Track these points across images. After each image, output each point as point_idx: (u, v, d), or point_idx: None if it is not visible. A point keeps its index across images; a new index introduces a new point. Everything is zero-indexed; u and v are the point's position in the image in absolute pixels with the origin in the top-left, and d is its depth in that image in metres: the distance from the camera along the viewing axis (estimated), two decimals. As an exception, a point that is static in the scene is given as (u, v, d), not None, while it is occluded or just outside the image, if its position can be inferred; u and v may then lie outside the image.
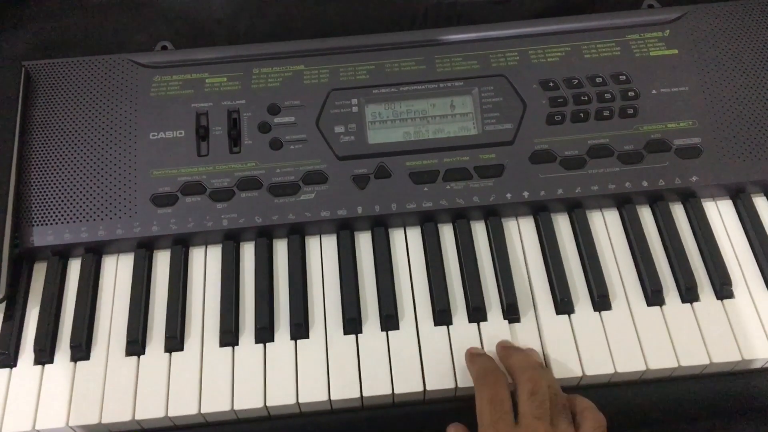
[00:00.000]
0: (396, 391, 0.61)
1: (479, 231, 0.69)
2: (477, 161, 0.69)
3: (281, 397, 0.61)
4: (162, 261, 0.68)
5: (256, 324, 0.64)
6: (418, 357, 0.62)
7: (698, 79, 0.72)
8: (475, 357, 0.61)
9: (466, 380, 0.61)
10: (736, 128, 0.70)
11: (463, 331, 0.64)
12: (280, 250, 0.68)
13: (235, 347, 0.63)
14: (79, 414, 0.61)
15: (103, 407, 0.61)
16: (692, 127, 0.70)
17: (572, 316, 0.64)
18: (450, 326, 0.64)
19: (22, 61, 0.72)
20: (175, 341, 0.63)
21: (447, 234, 0.69)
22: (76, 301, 0.66)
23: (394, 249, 0.68)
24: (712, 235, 0.68)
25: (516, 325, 0.64)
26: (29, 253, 0.67)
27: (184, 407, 0.61)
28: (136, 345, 0.63)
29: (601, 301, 0.64)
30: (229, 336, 0.63)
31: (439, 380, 0.61)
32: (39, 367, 0.63)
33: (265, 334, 0.63)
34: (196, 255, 0.69)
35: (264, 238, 0.68)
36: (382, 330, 0.64)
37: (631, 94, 0.71)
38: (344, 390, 0.61)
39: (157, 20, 0.83)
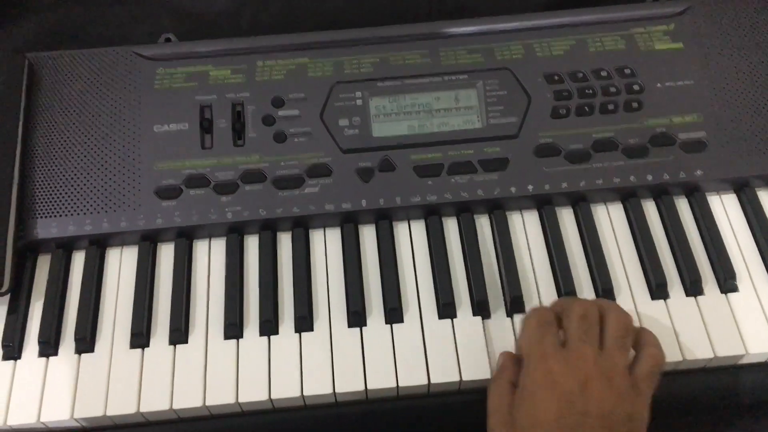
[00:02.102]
0: (400, 384, 0.61)
1: (483, 224, 0.69)
2: (481, 155, 0.69)
3: (285, 389, 0.61)
4: (166, 254, 0.68)
5: (261, 317, 0.64)
6: (423, 350, 0.62)
7: (703, 72, 0.72)
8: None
9: (470, 373, 0.61)
10: (741, 122, 0.70)
11: (467, 324, 0.64)
12: (285, 243, 0.68)
13: (240, 340, 0.63)
14: (83, 406, 0.61)
15: (107, 400, 0.61)
16: (697, 121, 0.70)
17: (576, 309, 0.64)
18: (454, 319, 0.64)
19: (26, 53, 0.72)
20: (179, 334, 0.63)
21: (451, 227, 0.69)
22: (80, 294, 0.66)
23: (399, 242, 0.68)
24: (716, 229, 0.68)
25: (520, 318, 0.64)
26: (33, 246, 0.67)
27: (188, 400, 0.61)
28: (140, 337, 0.63)
29: (605, 295, 0.64)
30: (233, 329, 0.63)
31: (444, 373, 0.61)
32: (43, 359, 0.63)
33: (269, 326, 0.63)
34: (200, 248, 0.68)
35: (268, 231, 0.68)
36: (386, 323, 0.64)
37: (636, 87, 0.71)
38: (348, 383, 0.61)
39: (160, 12, 0.83)
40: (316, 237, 0.69)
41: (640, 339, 0.58)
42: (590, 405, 0.52)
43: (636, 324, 0.60)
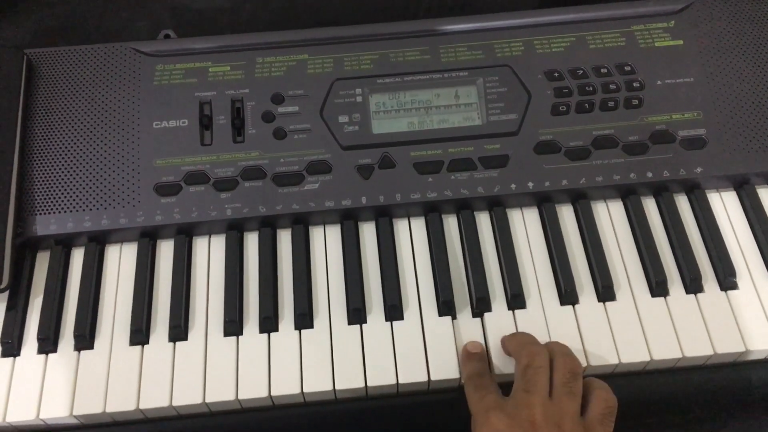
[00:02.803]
0: (400, 381, 0.61)
1: (483, 221, 0.69)
2: (481, 151, 0.69)
3: (285, 386, 0.61)
4: (165, 250, 0.68)
5: (260, 314, 0.64)
6: (423, 347, 0.62)
7: (703, 70, 0.72)
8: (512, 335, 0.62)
9: (470, 370, 0.61)
10: (741, 120, 0.70)
11: (467, 321, 0.64)
12: (284, 240, 0.68)
13: (239, 337, 0.63)
14: (82, 403, 0.61)
15: (106, 396, 0.61)
16: (697, 118, 0.70)
17: (577, 306, 0.64)
18: (454, 317, 0.64)
19: (25, 49, 0.72)
20: (179, 330, 0.63)
21: (451, 224, 0.69)
22: (80, 291, 0.66)
23: (399, 239, 0.68)
24: (716, 226, 0.68)
25: (520, 315, 0.64)
26: (32, 243, 0.67)
27: (188, 396, 0.61)
28: (140, 334, 0.63)
29: (605, 291, 0.64)
30: (233, 326, 0.63)
31: (443, 370, 0.61)
32: (42, 356, 0.63)
33: (269, 323, 0.63)
34: (200, 245, 0.68)
35: (268, 228, 0.68)
36: (386, 320, 0.64)
37: (636, 84, 0.71)
38: (348, 380, 0.61)
39: (160, 8, 0.82)
40: (316, 234, 0.69)
41: (589, 384, 0.58)
42: None
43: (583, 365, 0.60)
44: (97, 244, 0.68)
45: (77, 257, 0.68)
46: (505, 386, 0.59)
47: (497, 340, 0.63)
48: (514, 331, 0.63)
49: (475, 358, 0.61)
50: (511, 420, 0.54)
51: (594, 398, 0.56)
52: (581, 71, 0.72)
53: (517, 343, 0.60)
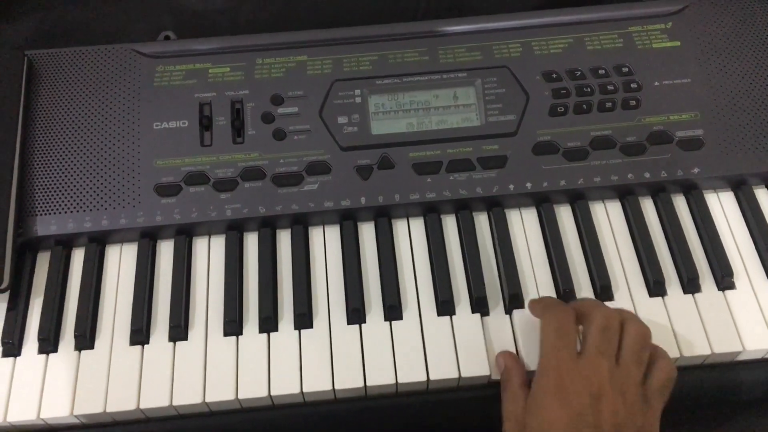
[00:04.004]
0: (400, 381, 0.61)
1: (482, 222, 0.69)
2: (480, 152, 0.69)
3: (285, 386, 0.61)
4: (165, 251, 0.68)
5: (260, 314, 0.64)
6: (422, 347, 0.63)
7: (700, 71, 0.72)
8: (539, 298, 0.62)
9: (469, 370, 0.61)
10: (738, 120, 0.70)
11: (466, 321, 0.64)
12: (284, 240, 0.69)
13: (239, 337, 0.63)
14: (83, 403, 0.61)
15: (107, 396, 0.61)
16: (694, 119, 0.71)
17: (575, 306, 0.64)
18: (453, 316, 0.64)
19: (25, 50, 0.72)
20: (179, 330, 0.63)
21: (450, 225, 0.69)
22: (80, 291, 0.66)
23: (398, 240, 0.69)
24: (713, 226, 0.68)
25: (518, 315, 0.64)
26: (32, 243, 0.67)
27: (188, 396, 0.61)
28: (140, 334, 0.63)
29: (603, 292, 0.65)
30: (233, 326, 0.64)
31: (443, 370, 0.61)
32: (43, 356, 0.63)
33: (268, 323, 0.64)
34: (200, 245, 0.69)
35: (267, 228, 0.68)
36: (385, 320, 0.64)
37: (633, 85, 0.72)
38: (348, 380, 0.61)
39: (160, 10, 0.83)
40: (316, 234, 0.69)
41: (653, 352, 0.58)
42: (602, 419, 0.52)
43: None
44: (98, 244, 0.68)
45: (78, 258, 0.68)
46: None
47: (496, 340, 0.63)
48: (512, 331, 0.63)
49: (566, 308, 0.59)
50: (582, 380, 0.54)
51: (656, 368, 0.57)
52: (579, 72, 0.72)
53: (589, 306, 0.59)
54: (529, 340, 0.62)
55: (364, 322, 0.64)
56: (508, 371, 0.60)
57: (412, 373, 0.61)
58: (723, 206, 0.70)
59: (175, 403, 0.61)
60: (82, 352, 0.63)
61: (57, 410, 0.61)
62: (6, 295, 0.65)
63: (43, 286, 0.66)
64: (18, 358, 0.63)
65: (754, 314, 0.64)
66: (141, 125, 0.70)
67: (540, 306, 0.61)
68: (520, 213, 0.70)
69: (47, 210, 0.67)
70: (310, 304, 0.65)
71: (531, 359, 0.61)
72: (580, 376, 0.54)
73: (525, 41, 0.74)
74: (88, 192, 0.68)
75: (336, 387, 0.61)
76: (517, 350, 0.62)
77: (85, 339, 0.63)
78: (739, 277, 0.66)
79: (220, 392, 0.61)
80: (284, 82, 0.72)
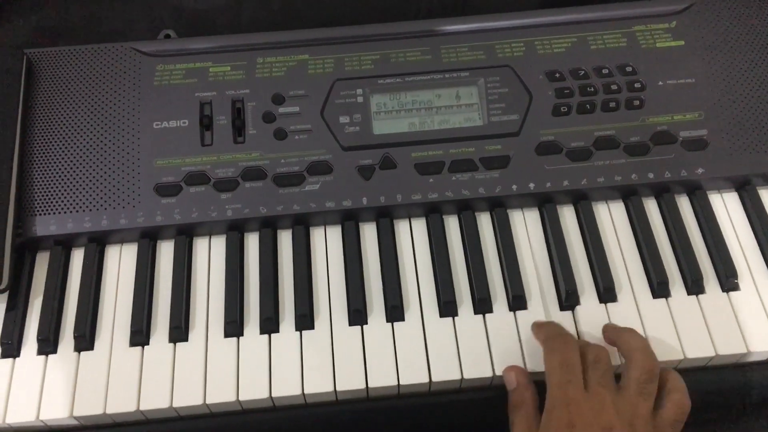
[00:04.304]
0: (401, 383, 0.61)
1: (485, 222, 0.69)
2: (483, 152, 0.69)
3: (286, 387, 0.61)
4: (166, 251, 0.68)
5: (261, 315, 0.64)
6: (424, 348, 0.62)
7: (705, 70, 0.72)
8: (542, 324, 0.61)
9: (471, 371, 0.61)
10: (743, 120, 0.70)
11: (468, 322, 0.63)
12: (285, 240, 0.68)
13: (240, 338, 0.63)
14: (82, 404, 0.61)
15: (107, 398, 0.61)
16: (698, 119, 0.70)
17: (578, 308, 0.64)
18: (456, 317, 0.64)
19: (24, 49, 0.72)
20: (179, 332, 0.63)
21: (452, 225, 0.69)
22: (80, 291, 0.65)
23: (399, 240, 0.68)
24: (717, 227, 0.68)
25: (522, 316, 0.64)
26: (32, 243, 0.67)
27: (188, 398, 0.60)
28: (140, 335, 0.63)
29: (606, 293, 0.64)
30: (233, 326, 0.63)
31: (445, 372, 0.61)
32: (42, 357, 0.63)
33: (269, 324, 0.63)
34: (200, 245, 0.68)
35: (268, 228, 0.68)
36: (387, 321, 0.64)
37: (637, 85, 0.71)
38: (349, 381, 0.61)
39: (160, 8, 0.82)
40: (317, 234, 0.69)
41: (666, 382, 0.57)
42: None
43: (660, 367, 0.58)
44: (97, 244, 0.68)
45: (77, 258, 0.68)
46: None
47: (499, 341, 0.62)
48: (516, 332, 0.63)
49: (550, 321, 0.60)
50: (590, 416, 0.53)
51: (669, 401, 0.56)
52: (582, 72, 0.72)
53: (586, 344, 0.59)
54: (533, 342, 0.62)
55: (366, 323, 0.64)
56: (522, 391, 0.59)
57: (414, 375, 0.61)
58: (727, 207, 0.70)
59: (175, 405, 0.60)
60: (82, 353, 0.63)
61: (56, 411, 0.60)
62: (5, 296, 0.65)
63: (43, 286, 0.66)
64: (17, 359, 0.63)
65: (759, 315, 0.64)
66: (141, 124, 0.69)
67: (543, 333, 0.60)
68: (523, 213, 0.69)
69: (46, 210, 0.67)
70: (312, 305, 0.65)
71: (534, 361, 0.61)
72: (589, 411, 0.53)
73: (528, 40, 0.73)
74: (87, 192, 0.67)
75: (337, 388, 0.61)
76: (520, 352, 0.62)
77: (85, 340, 0.63)
78: (743, 279, 0.66)
79: (221, 394, 0.60)
80: (285, 82, 0.71)
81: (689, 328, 0.63)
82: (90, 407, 0.60)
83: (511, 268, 0.65)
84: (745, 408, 0.65)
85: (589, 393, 0.55)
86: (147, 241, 0.68)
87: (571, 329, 0.63)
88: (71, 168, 0.68)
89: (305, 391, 0.60)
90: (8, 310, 0.65)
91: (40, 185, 0.67)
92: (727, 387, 0.63)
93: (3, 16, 0.82)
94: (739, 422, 0.65)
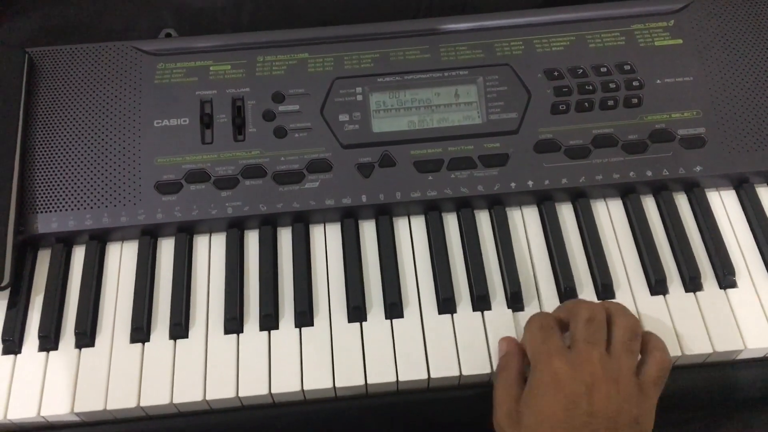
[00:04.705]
0: (400, 379, 0.61)
1: (483, 220, 0.69)
2: (481, 150, 0.69)
3: (286, 384, 0.61)
4: (166, 248, 0.68)
5: (261, 311, 0.64)
6: (423, 345, 0.62)
7: (703, 69, 0.72)
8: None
9: (470, 368, 0.61)
10: (741, 118, 0.70)
11: (467, 319, 0.64)
12: (285, 238, 0.68)
13: (240, 335, 0.63)
14: (83, 401, 0.61)
15: (107, 394, 0.61)
16: (696, 117, 0.70)
17: (576, 305, 0.64)
18: (454, 314, 0.64)
19: (26, 48, 0.72)
20: (179, 328, 0.63)
21: (451, 223, 0.69)
22: (81, 288, 0.66)
23: (399, 237, 0.68)
24: (715, 224, 0.68)
25: (520, 313, 0.64)
26: (33, 240, 0.67)
27: (188, 394, 0.61)
28: (140, 332, 0.63)
29: (604, 290, 0.65)
30: (233, 323, 0.64)
31: (444, 368, 0.61)
32: (43, 353, 0.63)
33: (269, 321, 0.64)
34: (201, 243, 0.69)
35: (268, 226, 0.68)
36: (386, 318, 0.64)
37: (635, 83, 0.71)
38: (348, 377, 0.61)
39: (161, 7, 0.83)
40: (317, 232, 0.69)
41: (647, 343, 0.58)
42: (596, 407, 0.53)
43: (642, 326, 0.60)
44: (98, 242, 0.68)
45: (78, 255, 0.68)
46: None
47: (497, 338, 0.62)
48: (514, 328, 0.63)
49: (546, 313, 0.60)
50: (573, 369, 0.54)
51: (651, 359, 0.57)
52: (581, 70, 0.72)
53: (571, 305, 0.60)
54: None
55: (365, 320, 0.64)
56: (509, 357, 0.60)
57: (413, 371, 0.61)
58: (725, 204, 0.70)
59: (175, 401, 0.60)
60: (83, 349, 0.63)
61: (57, 408, 0.61)
62: (6, 293, 0.65)
63: (44, 283, 0.66)
64: (18, 355, 0.63)
65: (756, 312, 0.64)
66: (142, 123, 0.70)
67: (526, 326, 0.61)
68: (522, 211, 0.70)
69: (48, 207, 0.67)
70: (311, 302, 0.65)
71: (532, 357, 0.61)
72: (572, 365, 0.55)
73: (527, 39, 0.73)
74: (88, 189, 0.68)
75: (337, 385, 0.61)
76: (518, 348, 0.62)
77: (86, 336, 0.63)
78: (741, 276, 0.66)
79: (221, 390, 0.61)
80: (285, 80, 0.72)
81: (687, 325, 0.63)
82: (91, 403, 0.61)
83: (509, 265, 0.66)
84: (741, 404, 0.65)
85: (574, 351, 0.56)
86: (148, 238, 0.68)
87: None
88: (72, 166, 0.68)
89: (305, 388, 0.61)
90: (9, 307, 0.65)
91: (42, 183, 0.68)
92: (724, 383, 0.64)
93: (5, 14, 0.83)
94: (736, 418, 0.65)
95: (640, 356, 0.58)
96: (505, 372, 0.59)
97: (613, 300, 0.63)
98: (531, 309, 0.64)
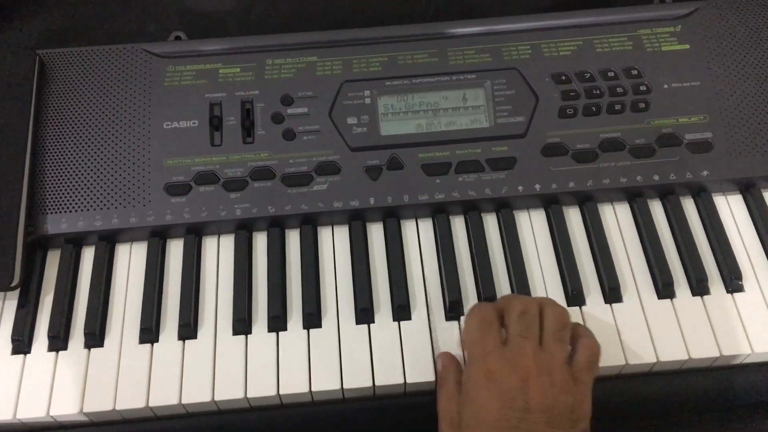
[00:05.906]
0: (408, 381, 0.61)
1: (491, 223, 0.69)
2: (489, 154, 0.69)
3: (294, 385, 0.61)
4: (175, 250, 0.69)
5: (269, 313, 0.64)
6: (430, 347, 0.63)
7: (710, 73, 0.72)
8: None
9: (477, 370, 0.61)
10: (747, 123, 0.71)
11: (474, 321, 0.64)
12: (293, 240, 0.69)
13: (248, 336, 0.64)
14: (92, 400, 0.61)
15: (116, 394, 0.61)
16: (703, 121, 0.71)
17: (583, 308, 0.65)
18: (461, 317, 0.64)
19: (37, 50, 0.73)
20: (188, 329, 0.64)
21: (459, 226, 0.69)
22: (90, 289, 0.66)
23: (406, 240, 0.69)
24: (722, 229, 0.68)
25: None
26: (43, 241, 0.68)
27: (197, 395, 0.61)
28: (149, 332, 0.64)
29: (612, 293, 0.65)
30: (242, 324, 0.64)
31: (451, 370, 0.62)
32: (53, 354, 0.64)
33: (277, 323, 0.64)
34: (209, 244, 0.69)
35: (277, 228, 0.68)
36: (394, 320, 0.64)
37: (642, 88, 0.72)
38: (356, 379, 0.61)
39: (171, 10, 0.83)
40: (325, 234, 0.69)
41: (574, 332, 0.59)
42: (531, 401, 0.53)
43: (573, 319, 0.61)
44: (108, 243, 0.68)
45: (88, 256, 0.68)
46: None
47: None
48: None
49: (487, 305, 0.61)
50: (507, 365, 0.55)
51: (580, 346, 0.58)
52: (588, 74, 0.72)
53: (506, 299, 0.61)
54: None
55: (373, 322, 0.64)
56: (445, 370, 0.60)
57: (420, 374, 0.61)
58: (732, 209, 0.70)
59: (184, 402, 0.61)
60: (92, 350, 0.64)
61: (66, 408, 0.61)
62: (16, 293, 0.66)
63: (53, 284, 0.66)
64: (28, 355, 0.64)
65: (763, 316, 0.64)
66: (151, 125, 0.70)
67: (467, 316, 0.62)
68: (529, 214, 0.70)
69: (58, 208, 0.67)
70: (319, 303, 0.65)
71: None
72: (506, 361, 0.55)
73: (534, 43, 0.74)
74: (98, 191, 0.68)
75: (344, 386, 0.61)
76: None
77: (95, 337, 0.64)
78: (748, 280, 0.66)
79: (229, 391, 0.61)
80: (294, 83, 0.72)
81: (694, 329, 0.63)
82: (99, 403, 0.61)
83: (516, 268, 0.66)
84: (749, 408, 0.65)
85: (509, 346, 0.56)
86: (157, 239, 0.68)
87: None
88: (82, 167, 0.69)
89: (312, 389, 0.61)
90: (19, 307, 0.65)
91: (52, 184, 0.68)
92: (731, 387, 0.64)
93: (16, 16, 0.83)
94: (742, 422, 0.65)
95: (570, 347, 0.59)
96: (445, 385, 0.59)
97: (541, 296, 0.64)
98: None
